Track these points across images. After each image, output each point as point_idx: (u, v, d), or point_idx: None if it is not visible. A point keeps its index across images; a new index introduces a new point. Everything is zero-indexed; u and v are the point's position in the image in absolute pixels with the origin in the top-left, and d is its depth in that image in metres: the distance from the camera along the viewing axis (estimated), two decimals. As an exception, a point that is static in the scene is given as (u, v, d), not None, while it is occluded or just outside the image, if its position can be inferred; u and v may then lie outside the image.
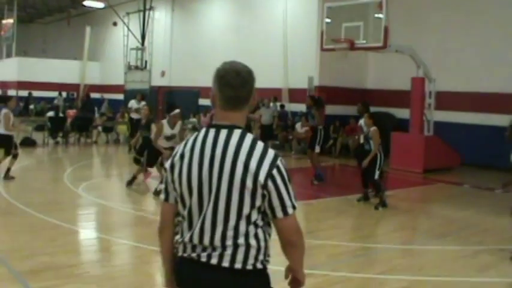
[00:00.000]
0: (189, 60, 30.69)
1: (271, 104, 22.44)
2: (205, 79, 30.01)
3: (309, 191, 13.19)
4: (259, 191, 2.73)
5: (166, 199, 3.01)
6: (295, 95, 23.57)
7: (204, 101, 26.80)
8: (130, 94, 25.02)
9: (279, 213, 2.79)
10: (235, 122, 2.85)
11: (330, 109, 19.51)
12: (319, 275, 6.82)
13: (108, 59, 39.54)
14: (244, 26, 27.08)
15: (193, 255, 2.85)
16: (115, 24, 35.06)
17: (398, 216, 11.16)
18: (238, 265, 2.79)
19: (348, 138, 20.25)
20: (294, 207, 2.81)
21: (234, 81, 2.82)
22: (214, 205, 2.77)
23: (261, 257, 2.86)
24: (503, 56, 18.08)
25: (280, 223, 2.83)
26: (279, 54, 24.26)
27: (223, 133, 2.81)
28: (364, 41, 16.11)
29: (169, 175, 2.93)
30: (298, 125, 17.75)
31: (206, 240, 2.80)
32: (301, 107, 21.51)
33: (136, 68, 34.32)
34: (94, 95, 37.35)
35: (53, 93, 35.76)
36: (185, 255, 2.90)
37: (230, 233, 2.77)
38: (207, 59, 29.07)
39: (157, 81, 33.48)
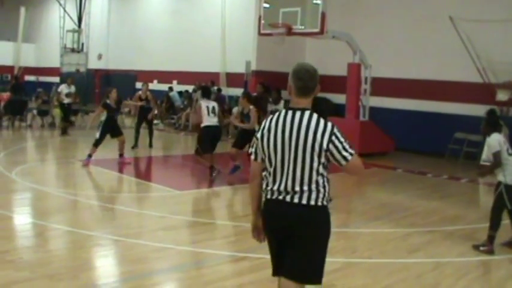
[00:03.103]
0: (127, 44, 30.40)
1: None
2: (143, 62, 30.01)
3: (247, 175, 13.27)
4: (323, 153, 3.93)
5: (256, 159, 4.22)
6: (232, 79, 23.64)
7: (141, 85, 26.64)
8: (67, 77, 24.57)
9: (342, 162, 3.99)
10: (305, 106, 4.04)
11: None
12: (254, 258, 6.91)
13: (43, 40, 38.71)
14: (182, 10, 26.95)
15: (280, 197, 4.02)
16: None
17: (333, 200, 11.29)
18: (312, 202, 4.00)
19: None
20: (351, 154, 3.98)
21: (304, 76, 4.01)
22: (294, 162, 3.96)
23: (326, 197, 4.08)
24: (436, 43, 18.51)
25: (344, 167, 4.04)
26: (216, 39, 24.25)
27: (298, 113, 3.99)
28: (302, 27, 16.19)
29: (259, 143, 4.12)
30: (235, 110, 17.82)
31: (289, 187, 3.99)
32: (238, 91, 21.55)
33: (73, 50, 33.75)
34: (29, 78, 36.65)
35: (-15, 76, 34.89)
36: (273, 198, 4.07)
37: (305, 181, 3.97)
38: (144, 42, 28.94)
39: (94, 64, 33.03)
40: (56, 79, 33.58)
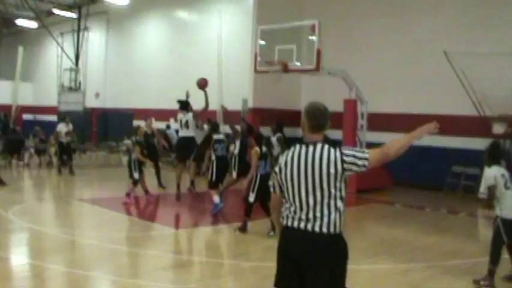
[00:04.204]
0: (124, 82, 30.49)
1: (205, 126, 22.38)
2: (140, 101, 29.89)
3: (240, 213, 13.20)
4: (341, 177, 4.21)
5: (274, 191, 4.56)
6: (226, 114, 23.67)
7: (138, 123, 26.68)
8: (64, 115, 24.64)
9: (364, 169, 4.26)
10: (317, 140, 4.35)
11: (264, 131, 19.67)
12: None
13: (41, 79, 38.89)
14: (179, 48, 27.10)
15: (301, 226, 4.23)
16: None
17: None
18: (331, 230, 4.18)
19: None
20: (366, 159, 4.23)
21: (317, 115, 4.41)
22: (313, 191, 4.21)
23: (341, 225, 4.24)
24: (431, 78, 18.65)
25: (369, 166, 4.25)
26: (213, 76, 24.24)
27: (311, 147, 4.30)
28: (298, 64, 16.30)
29: (278, 176, 4.43)
30: (232, 147, 17.81)
31: (310, 215, 4.21)
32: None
33: (70, 89, 33.89)
34: (27, 116, 36.68)
35: (-17, 114, 34.83)
36: (293, 225, 4.28)
37: (324, 208, 4.19)
38: (141, 81, 29.00)
39: (92, 102, 33.10)
40: (54, 118, 33.65)
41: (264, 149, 11.09)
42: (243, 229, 10.87)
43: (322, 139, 4.41)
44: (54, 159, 21.36)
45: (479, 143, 15.82)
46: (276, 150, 13.72)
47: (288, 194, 4.37)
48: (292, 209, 4.32)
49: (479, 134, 16.47)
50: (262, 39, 17.42)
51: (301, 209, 4.26)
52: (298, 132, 21.74)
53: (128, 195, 14.04)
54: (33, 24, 36.48)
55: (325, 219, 4.19)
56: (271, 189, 4.62)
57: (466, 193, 16.93)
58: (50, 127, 25.33)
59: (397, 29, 20.03)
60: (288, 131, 19.59)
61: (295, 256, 4.28)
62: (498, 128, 16.72)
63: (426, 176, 18.39)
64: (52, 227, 11.35)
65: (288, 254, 4.35)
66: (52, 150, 21.86)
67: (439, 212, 14.75)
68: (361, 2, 21.35)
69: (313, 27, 15.96)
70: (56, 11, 33.81)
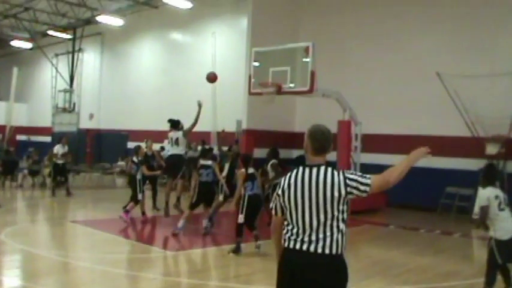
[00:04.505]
0: (118, 103, 30.53)
1: (199, 147, 22.38)
2: (135, 122, 29.85)
3: (230, 235, 13.16)
4: (344, 200, 4.21)
5: (276, 213, 4.52)
6: (223, 138, 23.67)
7: (133, 144, 26.71)
8: (59, 136, 24.62)
9: (365, 194, 4.27)
10: (320, 162, 4.36)
11: (259, 152, 19.69)
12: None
13: (35, 100, 38.95)
14: (173, 69, 27.20)
15: (304, 247, 4.20)
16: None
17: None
18: (334, 251, 4.16)
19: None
20: (368, 185, 4.25)
21: (320, 137, 4.39)
22: (317, 213, 4.20)
23: (343, 246, 4.22)
24: (425, 99, 18.76)
25: (370, 192, 4.28)
26: (207, 98, 24.35)
27: (315, 169, 4.30)
28: (292, 85, 16.28)
29: (281, 198, 4.41)
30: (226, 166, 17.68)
31: (313, 237, 4.19)
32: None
33: (65, 110, 33.94)
34: (21, 137, 36.69)
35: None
36: (296, 247, 4.24)
37: (327, 229, 4.19)
38: (136, 102, 29.04)
39: (86, 123, 33.13)
40: (48, 138, 33.64)
41: (251, 170, 11.12)
42: (236, 251, 10.84)
43: (325, 162, 4.42)
44: (48, 181, 21.30)
45: (473, 164, 15.91)
46: (270, 175, 13.98)
47: (291, 216, 4.35)
48: (295, 231, 4.31)
49: (473, 154, 16.55)
50: (256, 61, 17.43)
51: (304, 231, 4.25)
52: (292, 153, 21.84)
53: (126, 212, 14.01)
54: (28, 45, 36.62)
55: (328, 240, 4.18)
56: (273, 212, 4.57)
57: (460, 214, 16.93)
58: (44, 148, 25.30)
59: (391, 50, 20.18)
60: (282, 153, 19.60)
61: (297, 277, 4.24)
62: (491, 149, 16.79)
63: (420, 197, 18.39)
64: (45, 248, 11.28)
65: (289, 276, 4.32)
66: (46, 171, 21.80)
67: (433, 233, 14.74)
68: (355, 24, 21.50)
69: (307, 49, 15.98)
70: (50, 32, 34.00)
